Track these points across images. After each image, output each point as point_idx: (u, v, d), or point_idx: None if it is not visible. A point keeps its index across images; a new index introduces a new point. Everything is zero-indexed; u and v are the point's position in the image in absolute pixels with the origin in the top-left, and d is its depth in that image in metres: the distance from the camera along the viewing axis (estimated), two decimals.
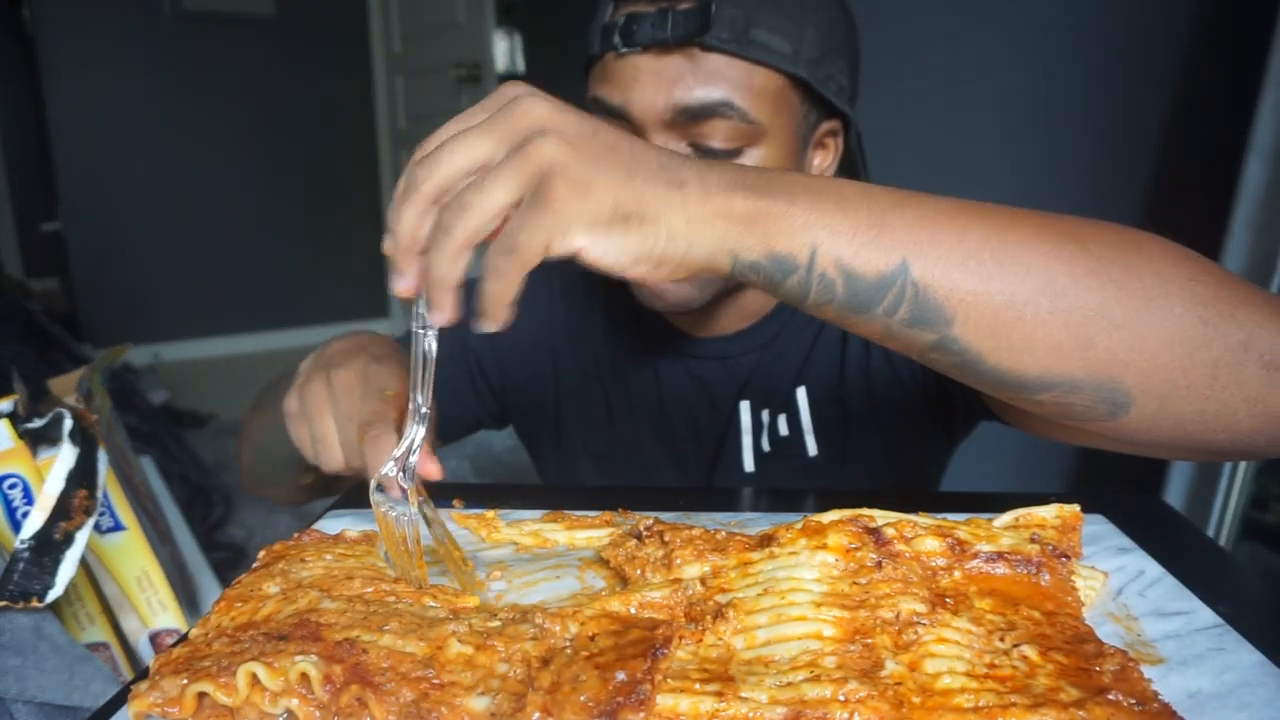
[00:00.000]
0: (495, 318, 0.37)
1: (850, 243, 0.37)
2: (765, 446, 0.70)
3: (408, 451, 0.43)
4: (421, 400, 0.42)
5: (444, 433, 0.77)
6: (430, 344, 0.41)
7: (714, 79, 0.55)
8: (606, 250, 0.36)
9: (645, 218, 0.36)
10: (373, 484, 0.44)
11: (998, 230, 0.38)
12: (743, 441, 0.70)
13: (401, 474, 0.43)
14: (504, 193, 0.35)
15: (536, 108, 0.36)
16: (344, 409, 0.50)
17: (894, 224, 0.37)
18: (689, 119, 0.55)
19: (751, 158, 0.57)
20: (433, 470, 0.45)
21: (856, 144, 0.67)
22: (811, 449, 0.69)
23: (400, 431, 0.45)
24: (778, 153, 0.58)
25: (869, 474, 0.70)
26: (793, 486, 0.70)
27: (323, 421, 0.51)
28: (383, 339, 0.58)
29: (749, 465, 0.71)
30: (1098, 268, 0.37)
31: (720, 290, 0.64)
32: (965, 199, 0.39)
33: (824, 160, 0.66)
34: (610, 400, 0.74)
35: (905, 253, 0.37)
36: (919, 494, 0.72)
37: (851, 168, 0.69)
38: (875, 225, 0.37)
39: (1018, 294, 0.37)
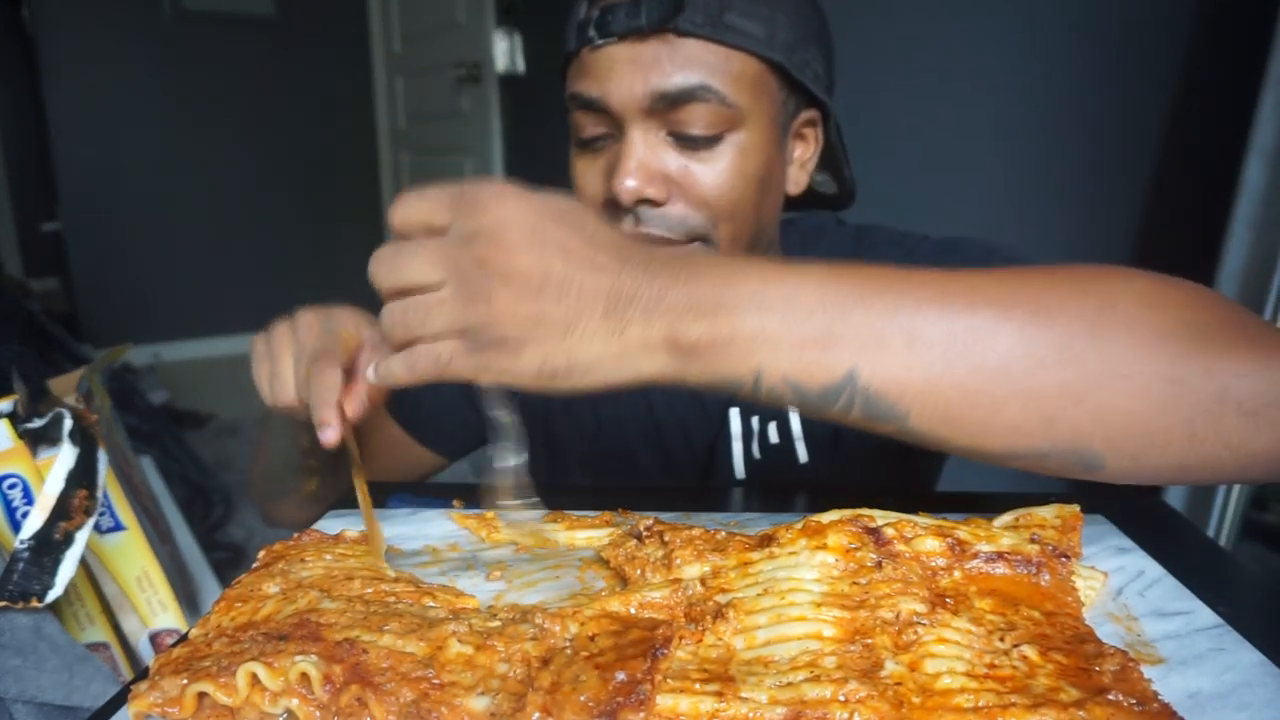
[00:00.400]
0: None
1: (797, 360, 0.37)
2: (756, 454, 0.70)
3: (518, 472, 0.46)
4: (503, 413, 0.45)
5: (452, 449, 0.78)
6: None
7: (691, 64, 0.55)
8: (525, 383, 0.39)
9: (573, 372, 0.38)
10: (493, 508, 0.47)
11: (951, 321, 0.37)
12: (733, 449, 0.70)
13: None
14: (442, 328, 0.39)
15: (490, 224, 0.37)
16: (304, 344, 0.51)
17: (841, 333, 0.37)
18: (668, 105, 0.55)
19: (732, 143, 0.57)
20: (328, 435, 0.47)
21: (837, 135, 0.67)
22: (802, 455, 0.69)
23: (347, 369, 0.49)
24: (758, 137, 0.58)
25: (859, 480, 0.70)
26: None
27: (282, 357, 0.52)
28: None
29: (740, 472, 0.71)
30: (1061, 345, 0.36)
31: None
32: (938, 272, 0.39)
33: (804, 152, 0.65)
34: (600, 409, 0.74)
35: (853, 361, 0.37)
36: (919, 494, 0.72)
37: (833, 159, 0.69)
38: (822, 339, 0.37)
39: (970, 385, 0.37)
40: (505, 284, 0.37)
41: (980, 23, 1.41)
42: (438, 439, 0.76)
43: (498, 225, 0.37)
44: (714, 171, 0.57)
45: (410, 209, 0.40)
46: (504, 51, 2.55)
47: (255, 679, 0.33)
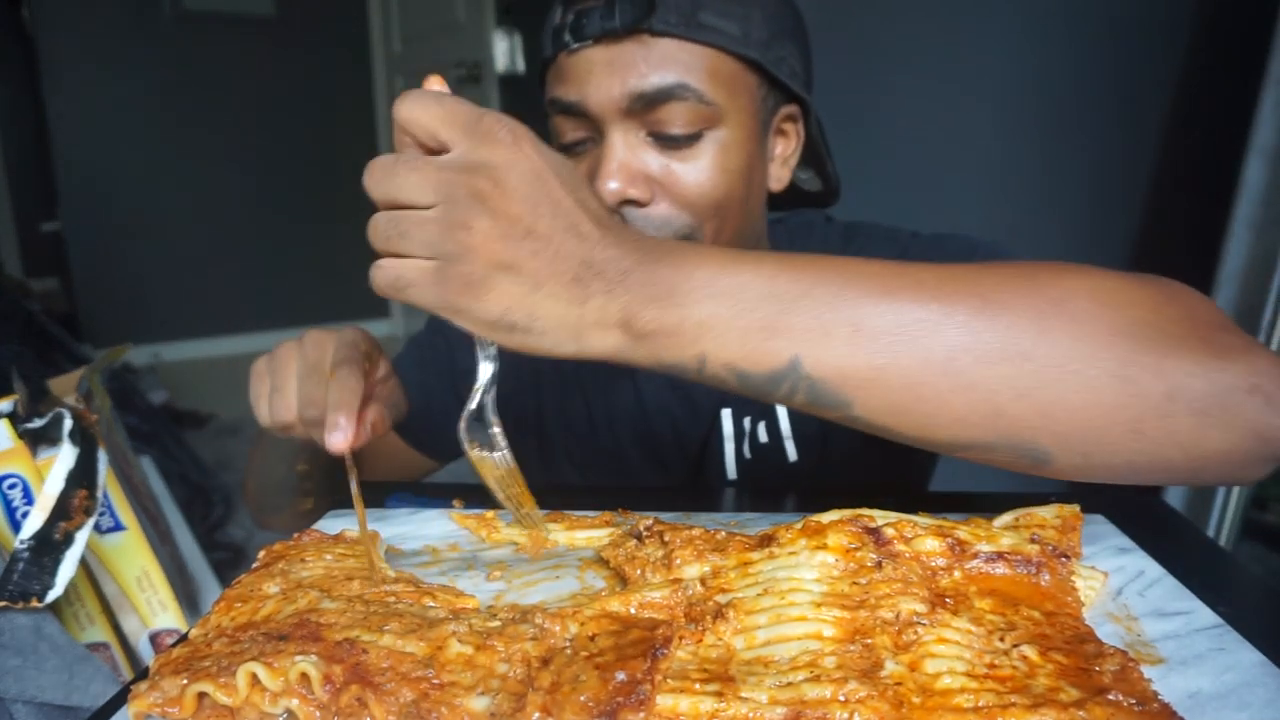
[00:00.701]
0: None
1: (740, 347, 0.38)
2: (747, 454, 0.70)
3: (484, 390, 0.45)
4: (490, 343, 0.44)
5: (444, 452, 0.78)
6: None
7: (666, 63, 0.55)
8: (479, 329, 0.39)
9: (530, 330, 0.38)
10: (462, 425, 0.45)
11: (898, 313, 0.37)
12: (725, 449, 0.70)
13: (481, 415, 0.45)
14: (416, 249, 0.37)
15: (499, 162, 0.37)
16: (311, 359, 0.50)
17: (788, 323, 0.37)
18: (645, 105, 0.56)
19: (712, 140, 0.57)
20: (334, 440, 0.46)
21: (818, 130, 0.66)
22: (791, 455, 0.69)
23: (368, 376, 0.49)
24: (738, 134, 0.58)
25: (849, 479, 0.70)
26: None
27: (285, 371, 0.51)
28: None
29: (731, 473, 0.71)
30: (1007, 340, 0.36)
31: None
32: (889, 264, 0.39)
33: (786, 148, 0.66)
34: (592, 409, 0.74)
35: (796, 350, 0.37)
36: (918, 494, 0.72)
37: (815, 155, 0.69)
38: (767, 328, 0.37)
39: (915, 377, 0.37)
40: (493, 222, 0.36)
41: (980, 22, 1.41)
42: (430, 442, 0.76)
43: (505, 165, 0.37)
44: (695, 170, 0.57)
45: (420, 112, 0.38)
46: (504, 51, 2.55)
47: (255, 679, 0.33)
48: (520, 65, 2.55)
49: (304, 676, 0.33)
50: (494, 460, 0.44)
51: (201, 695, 0.33)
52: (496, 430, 0.45)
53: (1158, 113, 1.22)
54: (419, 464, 0.78)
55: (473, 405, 0.45)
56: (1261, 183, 1.06)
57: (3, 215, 3.51)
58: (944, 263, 0.58)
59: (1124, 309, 0.37)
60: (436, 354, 0.76)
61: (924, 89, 1.51)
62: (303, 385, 0.50)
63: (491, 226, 0.36)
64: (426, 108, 0.37)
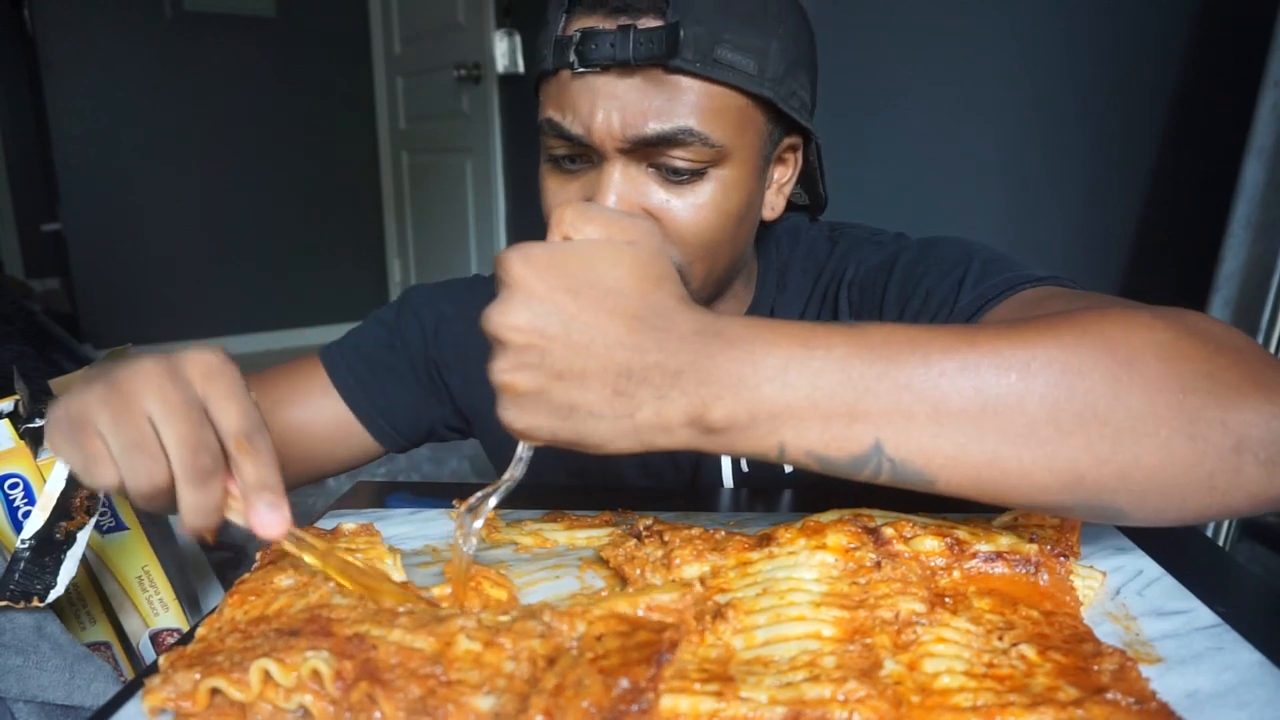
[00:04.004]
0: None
1: (820, 436, 0.37)
2: (744, 466, 0.69)
3: (505, 489, 0.43)
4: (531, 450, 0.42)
5: (395, 442, 0.74)
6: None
7: (675, 104, 0.53)
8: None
9: (586, 446, 0.38)
10: (463, 506, 0.42)
11: (978, 390, 0.37)
12: (723, 462, 0.69)
13: (477, 507, 0.43)
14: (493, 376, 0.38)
15: (527, 308, 0.37)
16: (174, 400, 0.38)
17: (866, 409, 0.37)
18: (649, 145, 0.54)
19: (715, 178, 0.56)
20: (270, 523, 0.40)
21: (816, 157, 0.65)
22: (788, 466, 0.69)
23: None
24: (740, 172, 0.57)
25: (847, 487, 0.70)
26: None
27: (130, 419, 0.38)
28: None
29: (728, 483, 0.70)
30: (1084, 407, 0.36)
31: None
32: (961, 334, 0.38)
33: (783, 175, 0.64)
34: None
35: (878, 434, 0.37)
36: (918, 494, 0.72)
37: (810, 180, 0.68)
38: (846, 415, 0.37)
39: (997, 452, 0.37)
40: (503, 348, 0.37)
41: (980, 23, 1.41)
42: (382, 429, 0.72)
43: (508, 284, 0.37)
44: (694, 209, 0.56)
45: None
46: (504, 51, 2.55)
47: (268, 675, 0.33)
48: (520, 66, 2.55)
49: (315, 673, 0.33)
50: (464, 550, 0.42)
51: (214, 690, 0.34)
52: (480, 524, 0.42)
53: (1157, 114, 1.22)
54: (360, 448, 0.73)
55: (480, 498, 0.43)
56: (1260, 183, 1.06)
57: (3, 215, 3.51)
58: (941, 269, 0.58)
59: (1185, 363, 0.37)
60: (407, 338, 0.73)
61: (922, 89, 1.51)
62: (176, 430, 0.38)
63: (503, 351, 0.37)
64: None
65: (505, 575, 0.45)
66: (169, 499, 0.39)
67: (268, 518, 0.39)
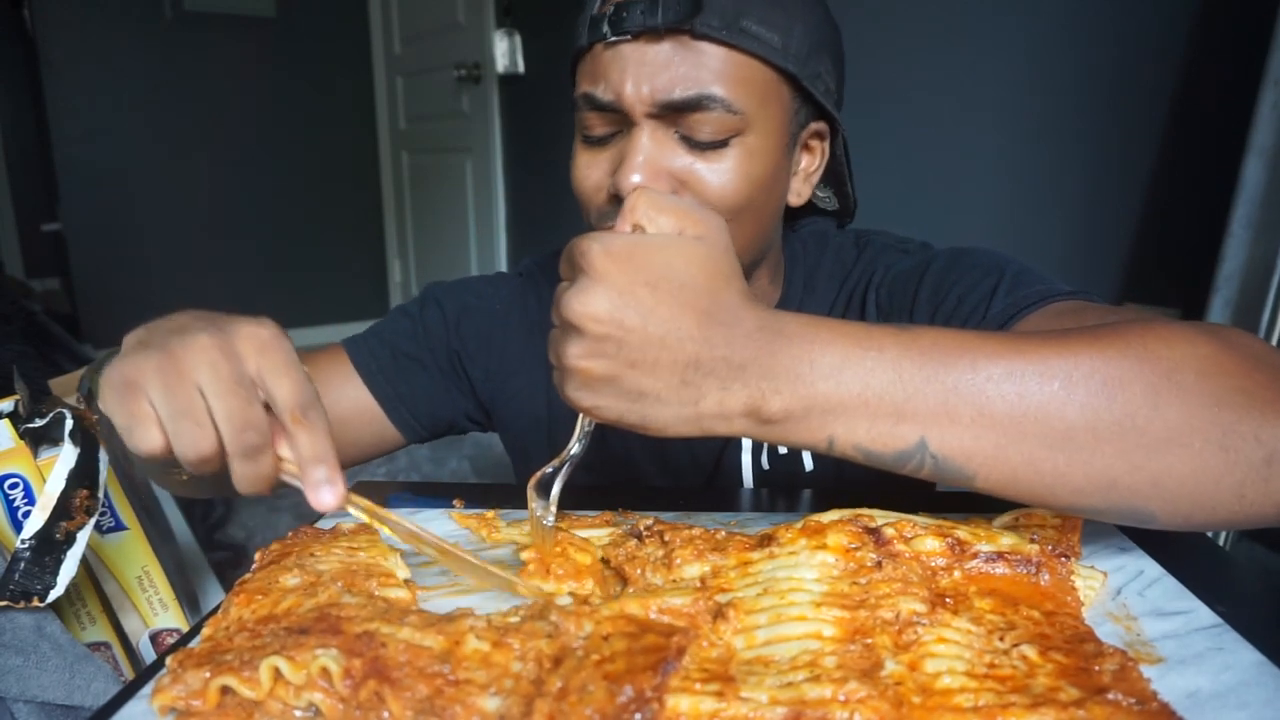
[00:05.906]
0: None
1: (868, 432, 0.39)
2: (765, 465, 0.70)
3: (570, 463, 0.46)
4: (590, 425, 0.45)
5: (415, 432, 0.75)
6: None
7: (701, 69, 0.55)
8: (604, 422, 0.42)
9: (649, 429, 0.41)
10: (533, 481, 0.46)
11: (1021, 396, 0.38)
12: (743, 460, 0.70)
13: (549, 481, 0.46)
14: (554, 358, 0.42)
15: (608, 299, 0.38)
16: (224, 371, 0.38)
17: (915, 408, 0.39)
18: (675, 110, 0.56)
19: (739, 147, 0.57)
20: (327, 495, 0.40)
21: (843, 151, 0.66)
22: (808, 464, 0.69)
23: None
24: (765, 142, 0.58)
25: (865, 485, 0.70)
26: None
27: (182, 386, 0.38)
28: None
29: (748, 482, 0.71)
30: (1123, 417, 0.38)
31: None
32: (1007, 341, 0.40)
33: (810, 163, 0.65)
34: None
35: (923, 432, 0.39)
36: (918, 493, 0.72)
37: (837, 175, 0.69)
38: (895, 413, 0.39)
39: (1036, 455, 0.38)
40: (579, 335, 0.39)
41: (981, 24, 1.42)
42: (403, 416, 0.73)
43: (589, 274, 0.39)
44: (719, 173, 0.57)
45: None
46: (504, 51, 2.55)
47: (278, 673, 0.33)
48: (520, 66, 2.55)
49: (325, 671, 0.33)
50: (545, 524, 0.46)
51: (224, 689, 0.33)
52: (555, 496, 0.46)
53: (1157, 113, 1.22)
54: (380, 437, 0.73)
55: (551, 470, 0.46)
56: (1260, 183, 1.06)
57: (3, 215, 3.51)
58: (974, 276, 0.59)
59: (1223, 378, 0.39)
60: (430, 329, 0.74)
61: (923, 89, 1.51)
62: (225, 405, 0.38)
63: (579, 339, 0.39)
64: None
65: (588, 540, 0.47)
66: (218, 465, 0.39)
67: (324, 490, 0.40)
